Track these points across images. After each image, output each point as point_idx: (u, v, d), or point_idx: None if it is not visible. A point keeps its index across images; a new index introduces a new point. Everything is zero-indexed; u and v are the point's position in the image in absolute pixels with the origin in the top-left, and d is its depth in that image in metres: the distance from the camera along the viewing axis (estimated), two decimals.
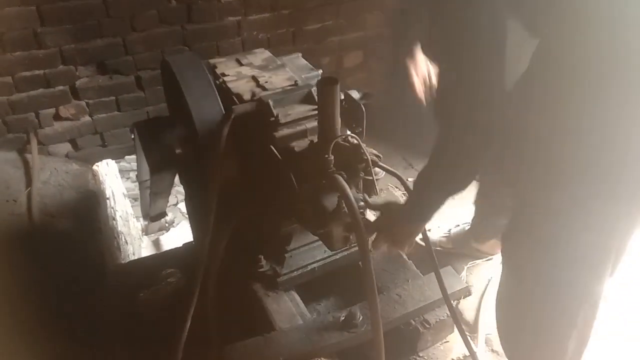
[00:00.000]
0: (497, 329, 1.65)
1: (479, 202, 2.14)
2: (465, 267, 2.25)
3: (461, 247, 2.33)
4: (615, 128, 1.17)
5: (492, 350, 1.99)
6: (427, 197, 1.44)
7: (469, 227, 2.33)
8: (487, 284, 2.21)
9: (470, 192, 2.59)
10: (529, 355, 1.57)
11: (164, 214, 2.20)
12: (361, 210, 1.46)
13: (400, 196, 2.71)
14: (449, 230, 2.38)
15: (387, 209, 1.55)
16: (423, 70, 1.88)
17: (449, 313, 1.79)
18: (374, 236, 1.56)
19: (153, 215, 2.20)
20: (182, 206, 5.52)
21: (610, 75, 1.14)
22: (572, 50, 1.17)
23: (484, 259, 2.31)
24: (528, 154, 1.32)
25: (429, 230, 2.44)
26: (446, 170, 1.36)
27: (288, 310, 1.77)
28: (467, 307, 2.12)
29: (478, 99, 1.21)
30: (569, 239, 1.31)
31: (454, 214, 2.49)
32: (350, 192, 1.42)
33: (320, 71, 1.97)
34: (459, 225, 2.38)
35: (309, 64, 2.02)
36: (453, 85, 1.26)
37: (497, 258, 2.30)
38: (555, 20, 1.20)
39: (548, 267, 1.37)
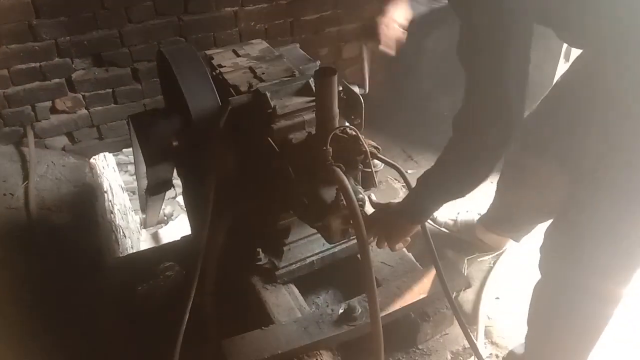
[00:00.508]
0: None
1: (502, 190, 2.07)
2: (466, 260, 2.24)
3: (465, 234, 2.31)
4: None
5: (492, 342, 1.99)
6: (429, 197, 1.43)
7: (478, 215, 2.31)
8: (487, 276, 2.20)
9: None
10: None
11: (162, 219, 2.15)
12: (360, 203, 1.45)
13: (399, 188, 2.70)
14: (457, 214, 2.37)
15: (386, 207, 1.55)
16: (397, 20, 1.84)
17: (448, 305, 1.78)
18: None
19: (150, 221, 2.14)
20: (181, 199, 5.51)
21: None
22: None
23: (485, 253, 2.29)
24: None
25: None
26: (456, 171, 1.37)
27: (286, 303, 1.76)
28: (466, 299, 2.11)
29: (500, 102, 1.23)
30: None
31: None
32: (349, 185, 1.40)
33: (318, 62, 1.94)
34: (468, 212, 2.36)
35: (307, 55, 2.00)
36: (477, 86, 1.28)
37: (497, 253, 2.29)
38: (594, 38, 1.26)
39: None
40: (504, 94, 1.21)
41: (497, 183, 2.07)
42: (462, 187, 1.39)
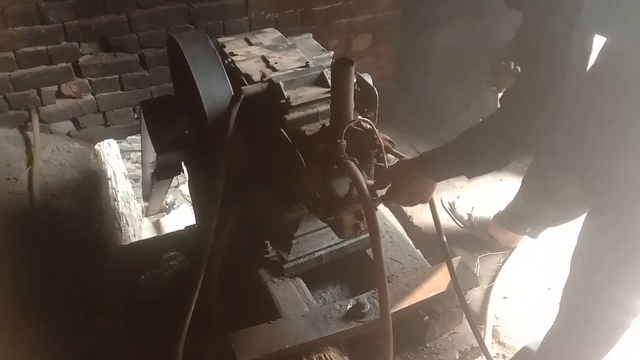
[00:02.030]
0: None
1: (528, 185, 2.04)
2: (478, 258, 2.22)
3: (477, 230, 2.30)
4: None
5: (499, 342, 1.97)
6: (457, 156, 1.42)
7: (492, 212, 2.29)
8: (495, 275, 2.18)
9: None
10: None
11: (164, 208, 2.13)
12: (373, 198, 1.42)
13: None
14: (472, 208, 2.34)
15: (400, 168, 1.50)
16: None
17: (457, 304, 1.76)
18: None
19: (152, 209, 2.11)
20: (183, 188, 5.50)
21: None
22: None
23: (493, 251, 2.27)
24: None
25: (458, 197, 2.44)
26: (492, 140, 1.37)
27: (294, 297, 1.74)
28: (473, 297, 2.09)
29: (550, 94, 1.26)
30: None
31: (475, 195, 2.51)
32: (362, 179, 1.37)
33: (332, 52, 1.91)
34: (483, 207, 2.34)
35: (320, 45, 1.97)
36: (530, 77, 1.30)
37: (507, 252, 2.27)
38: (624, 22, 1.25)
39: None
40: (560, 82, 1.23)
41: (523, 180, 2.05)
42: (490, 159, 1.40)
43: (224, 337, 1.62)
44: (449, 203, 2.44)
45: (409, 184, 1.47)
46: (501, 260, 2.24)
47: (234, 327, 1.64)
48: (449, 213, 2.41)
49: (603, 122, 1.38)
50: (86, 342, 1.96)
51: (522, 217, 2.12)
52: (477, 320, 1.98)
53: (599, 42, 1.43)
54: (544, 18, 1.24)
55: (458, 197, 2.46)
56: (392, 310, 1.51)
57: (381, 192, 1.52)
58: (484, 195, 2.54)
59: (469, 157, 1.42)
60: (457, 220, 2.36)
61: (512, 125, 1.33)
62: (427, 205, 1.58)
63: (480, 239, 2.29)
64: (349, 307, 1.66)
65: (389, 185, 1.50)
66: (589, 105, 1.46)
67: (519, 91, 1.34)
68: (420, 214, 2.46)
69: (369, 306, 1.65)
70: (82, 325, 2.01)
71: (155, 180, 2.05)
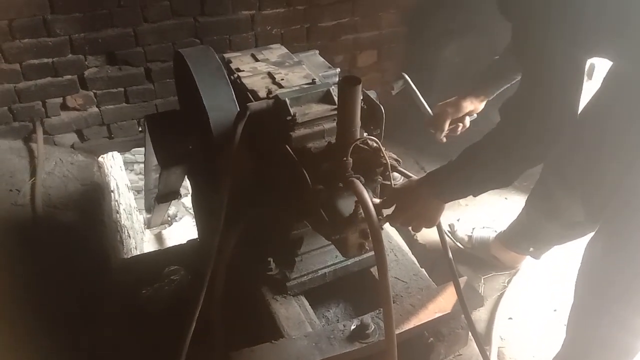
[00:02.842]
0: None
1: (533, 204, 2.03)
2: (482, 278, 2.19)
3: (479, 251, 2.27)
4: None
5: None
6: (468, 175, 1.41)
7: (494, 232, 2.27)
8: (500, 296, 2.15)
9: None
10: None
11: (166, 220, 2.15)
12: (379, 217, 1.40)
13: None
14: (473, 229, 2.32)
15: (406, 189, 1.49)
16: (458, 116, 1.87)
17: (463, 325, 1.73)
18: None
19: (155, 222, 2.13)
20: (186, 201, 5.48)
21: None
22: None
23: (497, 272, 2.24)
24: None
25: (458, 219, 2.42)
26: (494, 157, 1.36)
27: (297, 316, 1.71)
28: (478, 318, 2.06)
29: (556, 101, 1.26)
30: None
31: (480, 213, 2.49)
32: (368, 197, 1.35)
33: (338, 69, 1.91)
34: (484, 228, 2.31)
35: (326, 62, 1.96)
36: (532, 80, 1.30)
37: (511, 272, 2.25)
38: (629, 47, 1.25)
39: None
40: (560, 95, 1.24)
41: (527, 198, 2.03)
42: (498, 173, 1.38)
43: (225, 355, 1.60)
44: (449, 225, 2.41)
45: (415, 204, 1.46)
46: (506, 281, 2.22)
47: (235, 345, 1.62)
48: (449, 236, 2.38)
49: (612, 147, 1.37)
50: (87, 355, 1.94)
51: (525, 236, 2.09)
52: (482, 341, 1.95)
53: (604, 66, 1.44)
54: (531, 29, 1.25)
55: (458, 220, 2.42)
56: (397, 332, 1.49)
57: (387, 212, 1.50)
58: (489, 213, 2.52)
59: (476, 174, 1.41)
60: (457, 243, 2.33)
61: (520, 135, 1.31)
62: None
63: (483, 259, 2.26)
64: (352, 327, 1.64)
65: (395, 205, 1.48)
66: (597, 129, 1.45)
67: (523, 101, 1.32)
68: (424, 231, 2.44)
69: (373, 327, 1.62)
70: (83, 338, 1.99)
71: (157, 204, 2.06)
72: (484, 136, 1.38)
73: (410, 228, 1.54)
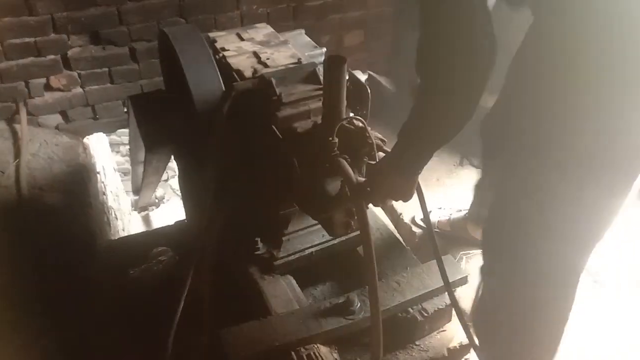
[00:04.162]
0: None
1: (479, 186, 2.08)
2: (464, 257, 2.23)
3: (458, 231, 2.30)
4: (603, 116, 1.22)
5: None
6: (414, 149, 1.35)
7: (461, 213, 2.31)
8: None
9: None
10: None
11: (153, 202, 2.13)
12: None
13: None
14: (450, 215, 2.35)
15: (373, 169, 1.47)
16: None
17: (447, 302, 1.77)
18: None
19: (142, 204, 2.12)
20: (173, 182, 5.46)
21: (606, 67, 1.17)
22: (569, 37, 1.20)
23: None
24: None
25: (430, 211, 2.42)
26: (433, 123, 1.28)
27: (284, 294, 1.73)
28: (462, 296, 2.09)
29: (461, 49, 1.13)
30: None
31: (457, 198, 2.49)
32: (354, 177, 1.37)
33: (324, 49, 1.90)
34: (461, 211, 2.35)
35: (312, 42, 1.96)
36: (434, 39, 1.17)
37: None
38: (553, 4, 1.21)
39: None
40: (473, 11, 1.11)
41: (477, 180, 2.06)
42: (441, 136, 1.31)
43: (213, 334, 1.62)
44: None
45: (382, 184, 1.42)
46: None
47: (223, 324, 1.64)
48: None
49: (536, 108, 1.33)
50: (75, 338, 1.95)
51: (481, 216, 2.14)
52: (466, 318, 1.99)
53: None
54: None
55: (439, 208, 2.44)
56: (382, 308, 1.52)
57: None
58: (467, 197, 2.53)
59: (432, 140, 1.32)
60: (439, 229, 2.35)
61: (445, 88, 1.20)
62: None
63: (466, 240, 2.30)
64: (338, 304, 1.66)
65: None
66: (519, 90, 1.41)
67: (430, 46, 1.18)
68: (410, 211, 2.46)
69: (358, 304, 1.65)
70: (70, 320, 1.99)
71: (143, 185, 2.05)
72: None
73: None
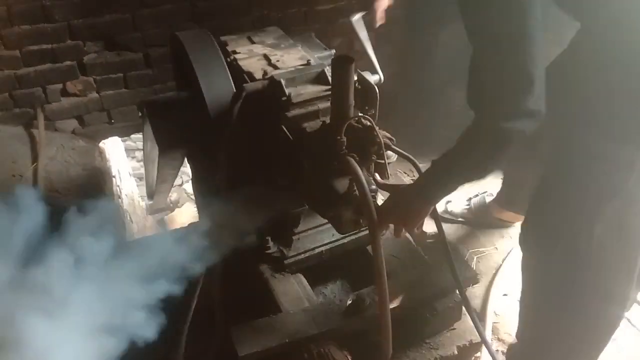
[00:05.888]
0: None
1: (508, 168, 2.09)
2: (475, 256, 2.24)
3: (483, 217, 2.33)
4: None
5: (498, 339, 1.99)
6: (445, 179, 1.39)
7: (489, 196, 2.33)
8: (495, 273, 2.19)
9: None
10: None
11: (167, 206, 2.15)
12: (372, 194, 1.43)
13: (409, 182, 2.68)
14: (469, 200, 2.37)
15: (395, 189, 1.51)
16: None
17: (457, 300, 1.77)
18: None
19: (156, 206, 2.15)
20: (187, 187, 5.51)
21: None
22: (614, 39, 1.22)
23: (488, 248, 2.29)
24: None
25: (449, 202, 2.44)
26: (474, 157, 1.32)
27: (295, 292, 1.75)
28: (474, 294, 2.10)
29: (525, 66, 1.17)
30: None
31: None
32: (362, 175, 1.39)
33: (333, 51, 1.93)
34: (477, 195, 2.37)
35: (322, 44, 1.98)
36: (486, 67, 1.26)
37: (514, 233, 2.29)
38: (598, 7, 1.23)
39: None
40: (529, 57, 1.14)
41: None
42: (478, 172, 1.36)
43: (225, 332, 1.64)
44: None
45: (399, 204, 1.46)
46: (501, 259, 2.26)
47: (234, 322, 1.66)
48: (449, 217, 2.40)
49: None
50: None
51: (513, 197, 2.16)
52: (478, 317, 1.99)
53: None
54: None
55: (449, 202, 2.46)
56: (391, 306, 1.53)
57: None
58: (478, 184, 2.53)
59: (454, 165, 1.36)
60: (459, 219, 2.38)
61: (483, 108, 1.28)
62: None
63: (489, 223, 2.29)
64: (349, 302, 1.68)
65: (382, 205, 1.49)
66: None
67: (477, 70, 1.27)
68: None
69: (368, 301, 1.66)
70: None
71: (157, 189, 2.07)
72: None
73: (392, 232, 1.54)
